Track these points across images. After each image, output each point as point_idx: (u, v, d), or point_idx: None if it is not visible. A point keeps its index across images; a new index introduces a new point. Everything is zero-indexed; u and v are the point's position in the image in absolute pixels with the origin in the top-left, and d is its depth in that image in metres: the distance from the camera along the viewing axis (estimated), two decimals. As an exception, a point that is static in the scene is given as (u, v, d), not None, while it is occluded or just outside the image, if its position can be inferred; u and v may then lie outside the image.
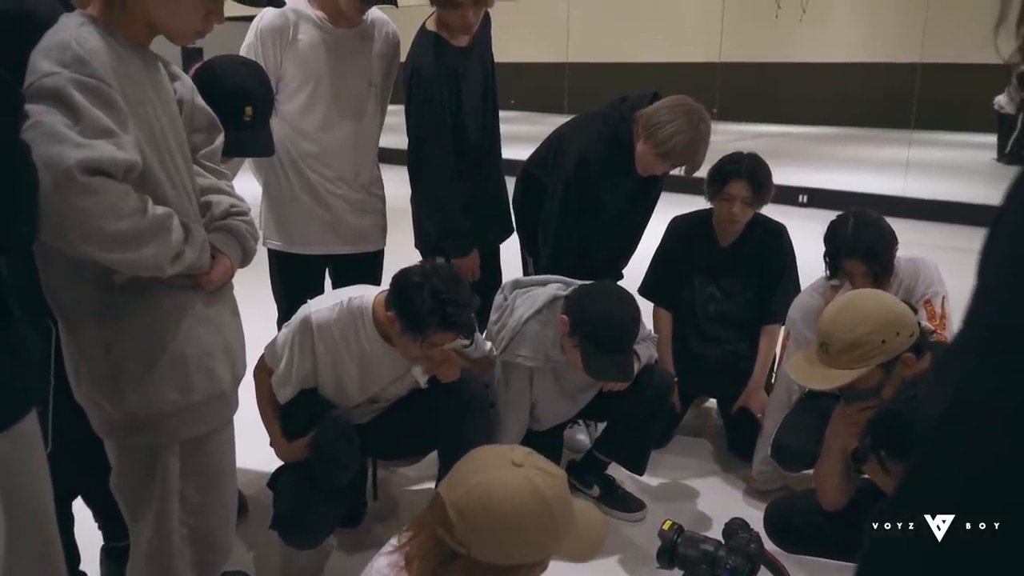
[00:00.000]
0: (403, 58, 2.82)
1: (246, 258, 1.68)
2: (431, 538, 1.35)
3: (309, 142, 2.64)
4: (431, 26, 2.76)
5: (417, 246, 3.03)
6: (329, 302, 2.26)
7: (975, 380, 0.47)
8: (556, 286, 2.54)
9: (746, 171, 2.93)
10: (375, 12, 2.70)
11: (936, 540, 0.46)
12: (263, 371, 2.34)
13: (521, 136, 4.31)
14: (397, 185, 3.18)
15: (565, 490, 1.41)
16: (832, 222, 2.64)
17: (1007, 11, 0.52)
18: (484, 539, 1.32)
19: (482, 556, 1.32)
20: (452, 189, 2.83)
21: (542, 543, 1.36)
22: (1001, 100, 10.39)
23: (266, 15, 2.55)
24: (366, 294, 2.26)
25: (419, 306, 2.04)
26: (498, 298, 2.61)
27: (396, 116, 2.81)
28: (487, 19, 2.85)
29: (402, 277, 2.12)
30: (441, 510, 1.35)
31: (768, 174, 2.97)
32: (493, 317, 2.58)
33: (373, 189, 2.81)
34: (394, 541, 1.44)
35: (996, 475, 0.44)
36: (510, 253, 3.23)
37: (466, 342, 2.19)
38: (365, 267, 2.79)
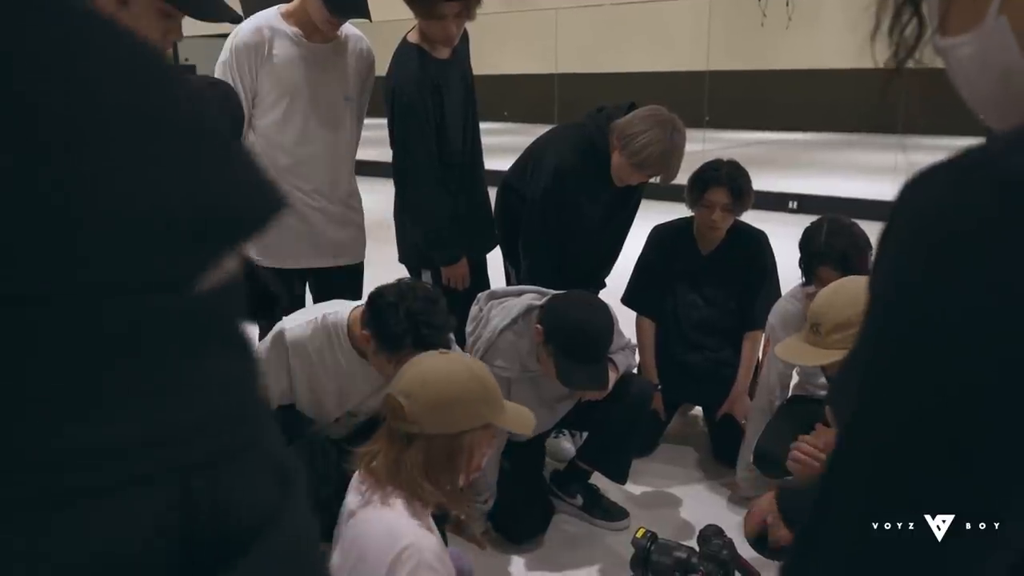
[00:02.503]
0: (378, 73, 2.84)
1: None
2: (389, 434, 1.59)
3: (286, 156, 2.65)
4: (412, 39, 2.77)
5: (402, 260, 3.04)
6: (304, 318, 2.27)
7: (867, 400, 0.48)
8: (531, 296, 2.55)
9: (726, 178, 2.94)
10: (349, 28, 2.72)
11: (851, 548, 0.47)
12: None
13: (515, 147, 4.32)
14: (376, 198, 3.20)
15: (488, 371, 1.72)
16: (806, 229, 2.65)
17: (880, 22, 0.54)
18: (430, 411, 1.55)
19: (434, 428, 1.55)
20: (439, 198, 2.84)
21: (481, 408, 1.62)
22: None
23: (241, 31, 2.57)
24: (341, 310, 2.27)
25: (394, 326, 2.05)
26: (473, 309, 2.62)
27: (373, 130, 2.82)
28: (465, 33, 2.87)
29: (377, 296, 2.13)
30: (391, 401, 1.58)
31: (748, 180, 2.99)
32: (469, 328, 2.59)
33: (351, 202, 2.82)
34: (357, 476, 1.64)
35: (887, 488, 0.46)
36: (496, 265, 3.24)
37: None
38: (345, 281, 2.80)
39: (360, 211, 2.88)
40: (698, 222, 3.07)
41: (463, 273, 2.93)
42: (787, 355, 2.12)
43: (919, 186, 0.46)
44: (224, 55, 2.59)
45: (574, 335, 2.36)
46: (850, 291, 1.99)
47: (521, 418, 1.76)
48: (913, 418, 0.44)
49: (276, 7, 2.63)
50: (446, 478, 1.58)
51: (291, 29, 2.58)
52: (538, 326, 2.41)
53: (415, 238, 2.93)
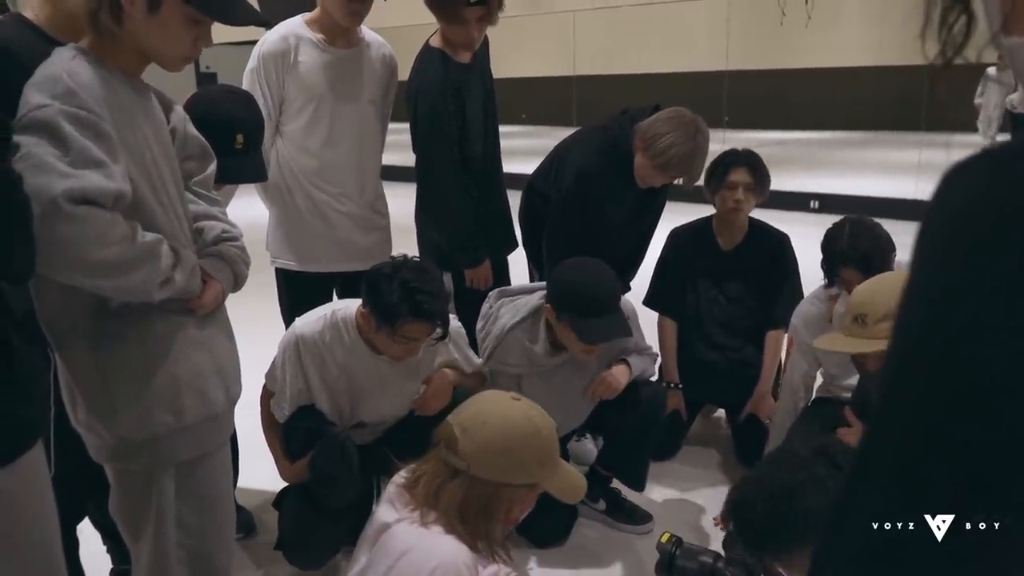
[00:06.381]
0: (400, 78, 2.85)
1: (237, 283, 1.70)
2: (437, 461, 1.57)
3: (313, 160, 2.68)
4: (435, 43, 2.79)
5: (422, 263, 3.05)
6: (315, 316, 2.31)
7: (897, 391, 0.48)
8: (541, 294, 2.55)
9: (744, 159, 2.99)
10: (371, 34, 2.76)
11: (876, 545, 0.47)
12: (267, 396, 2.38)
13: (533, 150, 4.31)
14: (399, 203, 3.21)
15: (553, 429, 1.62)
16: (828, 230, 2.63)
17: (931, 16, 0.54)
18: (482, 454, 1.51)
19: (480, 472, 1.51)
20: (461, 201, 2.85)
21: (531, 467, 1.56)
22: (1014, 99, 10.29)
23: (268, 40, 2.61)
24: (350, 305, 2.30)
25: (389, 296, 2.08)
26: (484, 306, 2.64)
27: (395, 134, 2.83)
28: (485, 39, 2.88)
29: (373, 273, 2.18)
30: (447, 430, 1.56)
31: (765, 165, 3.02)
32: (479, 325, 2.61)
33: (377, 206, 2.85)
34: (404, 473, 1.63)
35: (913, 478, 0.45)
36: (520, 268, 3.25)
37: (439, 331, 2.20)
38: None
39: (386, 215, 2.90)
40: (720, 208, 3.05)
41: (486, 275, 2.94)
42: (831, 345, 2.12)
43: (957, 177, 0.45)
44: (252, 63, 2.63)
45: (579, 292, 2.38)
46: (892, 281, 2.02)
47: (571, 486, 1.66)
48: (943, 413, 0.44)
49: (300, 16, 2.67)
50: (480, 522, 1.53)
51: (315, 35, 2.61)
52: (547, 305, 2.43)
53: (436, 240, 2.94)
